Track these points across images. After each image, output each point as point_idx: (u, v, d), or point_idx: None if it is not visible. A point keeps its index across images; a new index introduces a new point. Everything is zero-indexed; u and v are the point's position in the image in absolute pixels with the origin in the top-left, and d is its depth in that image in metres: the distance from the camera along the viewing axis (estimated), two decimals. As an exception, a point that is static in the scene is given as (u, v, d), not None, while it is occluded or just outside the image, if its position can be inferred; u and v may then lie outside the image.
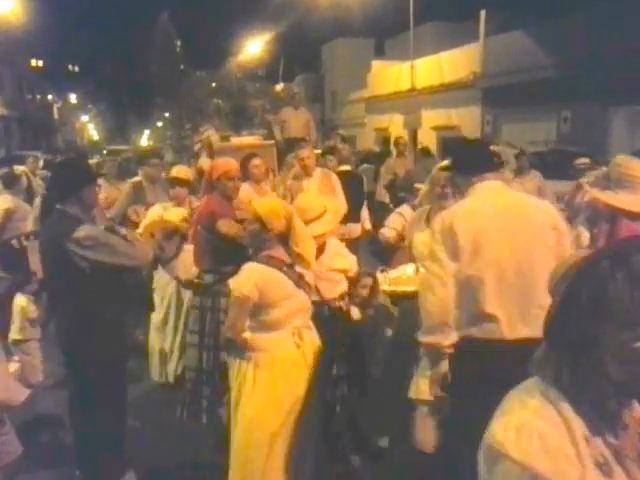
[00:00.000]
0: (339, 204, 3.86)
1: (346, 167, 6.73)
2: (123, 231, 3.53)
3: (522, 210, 2.73)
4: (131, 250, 3.30)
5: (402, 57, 21.05)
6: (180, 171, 5.20)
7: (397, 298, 3.63)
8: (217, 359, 3.77)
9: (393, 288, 3.59)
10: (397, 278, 3.55)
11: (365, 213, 6.66)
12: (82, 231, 3.10)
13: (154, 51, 17.30)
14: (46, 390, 4.93)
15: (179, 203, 4.88)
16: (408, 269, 3.61)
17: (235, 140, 8.87)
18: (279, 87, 18.32)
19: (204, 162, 7.82)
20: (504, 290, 2.57)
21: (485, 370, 2.51)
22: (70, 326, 3.26)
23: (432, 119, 19.04)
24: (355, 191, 6.29)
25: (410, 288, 3.39)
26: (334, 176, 6.24)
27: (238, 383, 2.95)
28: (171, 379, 4.84)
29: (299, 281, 3.01)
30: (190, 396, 3.96)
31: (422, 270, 3.18)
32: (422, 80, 19.47)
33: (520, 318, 2.56)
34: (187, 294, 4.45)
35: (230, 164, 4.06)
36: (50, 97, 45.18)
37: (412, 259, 3.68)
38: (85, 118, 60.87)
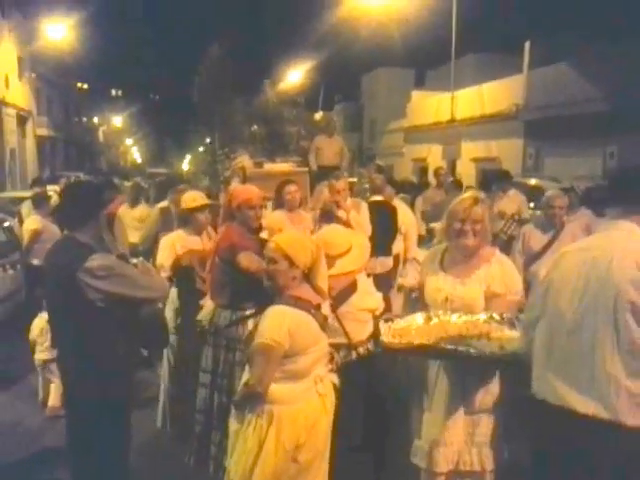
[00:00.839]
0: (365, 239, 3.58)
1: (378, 197, 6.47)
2: (133, 261, 3.29)
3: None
4: (149, 281, 3.08)
5: (443, 88, 20.84)
6: (191, 200, 4.63)
7: (395, 352, 2.90)
8: (230, 402, 3.51)
9: (394, 341, 2.83)
10: (404, 329, 2.94)
11: (399, 246, 6.27)
12: (95, 260, 2.88)
13: (205, 76, 17.50)
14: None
15: (198, 232, 4.58)
16: (418, 318, 3.02)
17: (268, 166, 8.79)
18: (318, 115, 18.30)
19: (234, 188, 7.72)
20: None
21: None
22: (74, 364, 3.04)
23: (472, 150, 18.70)
24: (388, 222, 6.02)
25: (415, 341, 2.80)
26: (364, 205, 6.00)
27: (257, 441, 2.61)
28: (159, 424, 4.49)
29: (324, 324, 2.77)
30: (198, 442, 3.69)
31: (435, 320, 2.93)
32: (462, 111, 19.19)
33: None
34: None
35: (251, 192, 3.83)
36: (96, 120, 46.38)
37: (423, 306, 3.18)
38: (129, 141, 62.26)
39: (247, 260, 3.50)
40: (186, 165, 43.56)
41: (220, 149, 12.80)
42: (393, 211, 6.26)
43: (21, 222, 7.97)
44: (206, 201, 4.67)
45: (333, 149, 9.39)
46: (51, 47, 25.12)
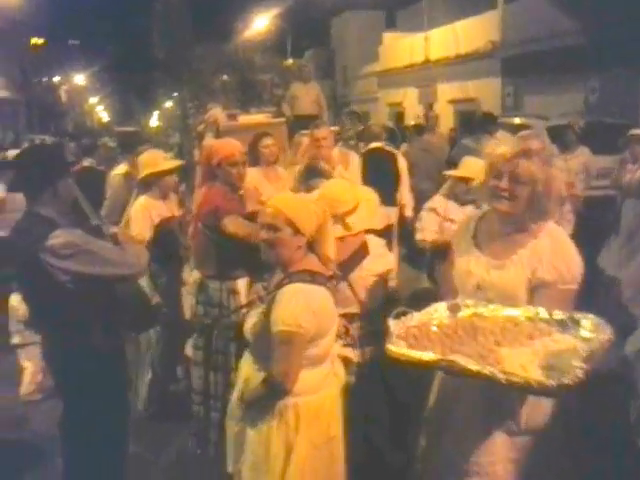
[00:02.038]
0: (372, 192, 3.24)
1: (377, 144, 6.12)
2: (113, 229, 2.95)
3: None
4: (121, 256, 2.72)
5: (415, 29, 20.24)
6: (153, 163, 4.14)
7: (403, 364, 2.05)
8: (227, 381, 3.22)
9: (403, 351, 2.00)
10: (421, 327, 2.14)
11: (407, 197, 5.87)
12: (58, 237, 2.55)
13: (160, 22, 16.60)
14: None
15: (164, 196, 4.15)
16: (440, 309, 2.26)
17: (243, 119, 8.36)
18: (290, 61, 17.64)
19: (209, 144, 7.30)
20: None
21: None
22: (55, 349, 2.75)
23: (448, 92, 18.28)
24: (388, 170, 5.70)
25: (428, 355, 1.95)
26: (354, 157, 5.67)
27: (283, 444, 2.30)
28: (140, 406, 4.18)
29: (336, 296, 2.47)
30: (197, 424, 3.42)
31: (464, 311, 2.19)
32: (437, 52, 18.68)
33: None
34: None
35: (233, 146, 3.45)
36: (57, 79, 44.59)
37: (450, 290, 2.47)
38: (94, 100, 60.23)
39: (234, 224, 3.17)
40: (155, 121, 42.32)
41: (190, 102, 12.20)
42: (393, 157, 5.95)
43: (-17, 191, 7.48)
44: (173, 163, 4.28)
45: (310, 97, 8.97)
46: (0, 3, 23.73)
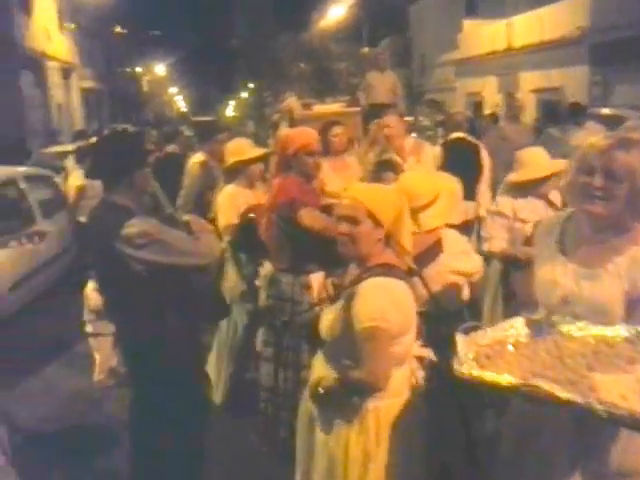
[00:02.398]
0: (455, 184, 3.03)
1: (459, 134, 5.86)
2: (186, 217, 2.91)
3: None
4: (193, 246, 2.69)
5: (496, 15, 19.50)
6: (240, 151, 4.12)
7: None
8: (297, 379, 3.13)
9: (475, 373, 1.74)
10: (495, 346, 1.85)
11: (485, 195, 5.43)
12: (133, 226, 2.53)
13: (242, 13, 16.78)
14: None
15: (250, 185, 4.10)
16: (518, 325, 1.95)
17: (318, 108, 8.28)
18: (366, 49, 17.40)
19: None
20: None
21: None
22: (129, 338, 2.75)
23: (531, 81, 17.51)
24: (469, 163, 5.42)
25: (506, 378, 1.68)
26: (428, 148, 5.45)
27: (362, 448, 2.19)
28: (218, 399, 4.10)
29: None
30: (265, 421, 3.34)
31: (550, 328, 1.86)
32: (520, 39, 17.90)
33: None
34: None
35: (310, 135, 3.33)
36: (138, 70, 46.08)
37: (529, 302, 2.19)
38: (173, 90, 61.98)
39: (310, 217, 3.06)
40: (231, 111, 43.07)
41: (266, 90, 12.21)
42: (476, 149, 5.66)
43: (67, 178, 7.75)
44: (260, 151, 4.22)
45: (385, 85, 8.74)
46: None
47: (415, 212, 2.65)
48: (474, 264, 2.97)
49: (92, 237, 2.74)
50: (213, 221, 4.12)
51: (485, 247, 3.75)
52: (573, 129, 6.90)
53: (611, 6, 13.71)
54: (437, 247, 2.80)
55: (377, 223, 2.18)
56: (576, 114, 7.25)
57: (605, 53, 13.99)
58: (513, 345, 1.85)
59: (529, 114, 15.09)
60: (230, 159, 4.14)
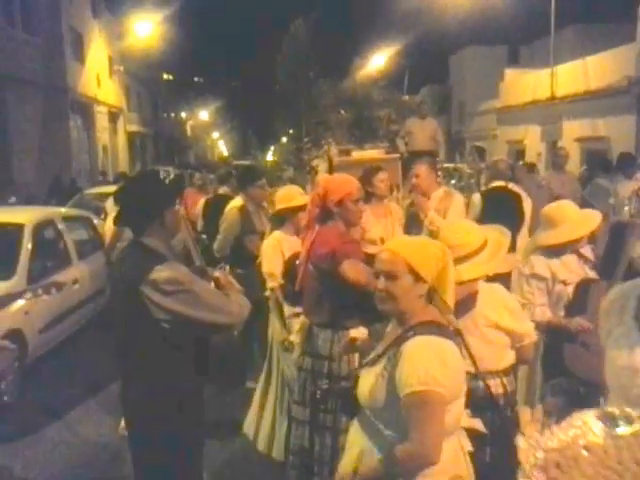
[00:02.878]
0: (501, 234, 2.80)
1: (499, 183, 5.65)
2: (215, 273, 2.74)
3: None
4: (224, 303, 2.50)
5: (538, 65, 19.41)
6: (290, 198, 4.05)
7: None
8: (335, 444, 2.88)
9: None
10: (565, 450, 1.33)
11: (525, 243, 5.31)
12: (162, 271, 2.37)
13: (286, 59, 17.10)
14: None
15: (297, 232, 3.93)
16: (591, 422, 1.38)
17: (357, 154, 8.20)
18: (407, 97, 17.45)
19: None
20: None
21: None
22: (136, 391, 2.54)
23: (575, 130, 17.18)
24: (510, 212, 5.18)
25: None
26: (459, 198, 5.22)
27: None
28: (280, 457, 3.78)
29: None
30: None
31: (625, 428, 1.30)
32: (564, 87, 17.68)
33: None
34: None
35: (354, 182, 3.19)
36: (183, 114, 47.41)
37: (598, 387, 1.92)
38: (216, 135, 63.44)
39: (354, 270, 2.86)
40: (270, 156, 43.67)
41: (306, 136, 12.27)
42: (517, 198, 5.42)
43: (105, 219, 7.77)
44: (307, 199, 4.11)
45: (425, 132, 8.65)
46: (138, 44, 25.61)
47: (456, 262, 2.43)
48: (521, 323, 2.70)
49: (118, 278, 2.60)
50: (259, 266, 4.06)
51: (533, 316, 3.26)
52: (622, 180, 6.61)
53: (658, 55, 13.47)
54: (470, 301, 2.57)
55: (418, 278, 2.00)
56: (626, 164, 6.96)
57: (653, 102, 13.67)
58: (586, 448, 1.41)
59: (573, 163, 14.76)
60: (279, 205, 4.08)
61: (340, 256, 2.92)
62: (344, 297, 2.95)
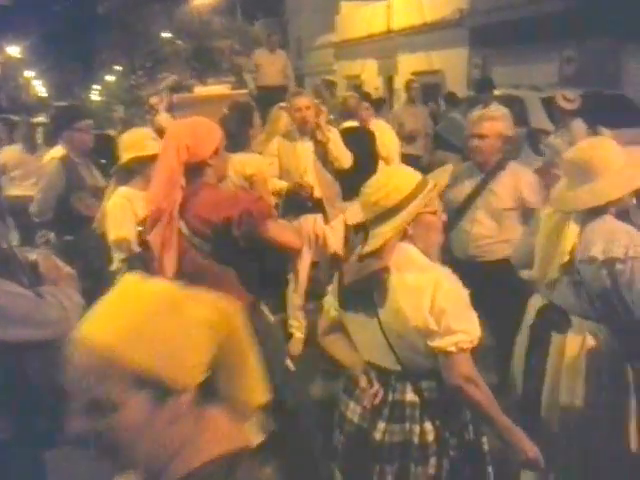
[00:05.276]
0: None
1: (352, 122, 5.27)
2: (32, 256, 1.92)
3: None
4: (36, 309, 1.75)
5: (373, -3, 19.37)
6: (142, 144, 3.25)
7: None
8: None
9: None
10: None
11: None
12: None
13: None
14: None
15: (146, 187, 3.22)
16: None
17: (199, 90, 7.56)
18: (253, 27, 16.52)
19: (164, 119, 6.37)
20: None
21: None
22: None
23: (411, 64, 17.47)
24: (367, 153, 4.86)
25: None
26: (335, 133, 4.84)
27: None
28: None
29: None
30: None
31: None
32: (400, 21, 17.82)
33: None
34: None
35: (217, 127, 2.63)
36: (-12, 50, 41.76)
37: None
38: (30, 73, 57.13)
39: (282, 231, 2.49)
40: (96, 95, 40.30)
41: (139, 70, 11.06)
42: (372, 138, 5.09)
43: None
44: None
45: (276, 66, 8.10)
46: None
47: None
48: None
49: None
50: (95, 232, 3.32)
51: None
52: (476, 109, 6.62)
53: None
54: None
55: None
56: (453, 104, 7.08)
57: (486, 35, 14.13)
58: None
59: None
60: (126, 154, 3.25)
61: (259, 217, 2.37)
62: (248, 267, 2.44)
